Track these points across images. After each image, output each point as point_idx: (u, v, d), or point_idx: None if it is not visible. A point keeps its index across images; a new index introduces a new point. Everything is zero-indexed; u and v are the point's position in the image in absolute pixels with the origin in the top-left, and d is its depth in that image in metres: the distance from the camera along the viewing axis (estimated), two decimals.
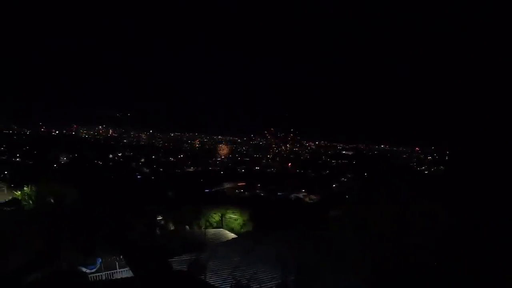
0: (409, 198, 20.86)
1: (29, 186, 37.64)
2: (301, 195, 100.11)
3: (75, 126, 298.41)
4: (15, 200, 34.57)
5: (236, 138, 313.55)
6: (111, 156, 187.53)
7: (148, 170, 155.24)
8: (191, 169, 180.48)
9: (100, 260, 24.31)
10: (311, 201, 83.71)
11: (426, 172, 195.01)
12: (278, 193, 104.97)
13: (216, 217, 39.77)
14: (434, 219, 18.51)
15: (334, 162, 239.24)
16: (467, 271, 15.92)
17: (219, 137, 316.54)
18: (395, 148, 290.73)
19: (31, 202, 35.76)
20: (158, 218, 39.16)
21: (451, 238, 17.90)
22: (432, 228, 18.05)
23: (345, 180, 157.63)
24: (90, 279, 22.41)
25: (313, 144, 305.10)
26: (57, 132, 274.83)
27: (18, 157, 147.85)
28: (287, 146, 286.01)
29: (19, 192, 37.55)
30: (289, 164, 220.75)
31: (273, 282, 16.93)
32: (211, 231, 34.90)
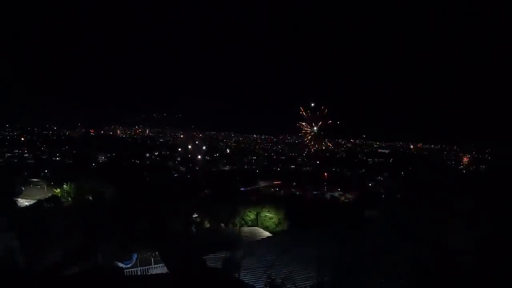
0: (449, 198, 20.03)
1: (69, 183, 38.79)
2: (336, 194, 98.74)
3: (112, 126, 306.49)
4: (54, 197, 35.49)
5: (272, 137, 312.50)
6: (148, 155, 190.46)
7: (184, 168, 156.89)
8: (227, 167, 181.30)
9: (136, 255, 24.69)
10: (347, 200, 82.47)
11: (464, 171, 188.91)
12: (314, 192, 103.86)
13: (251, 215, 39.66)
14: (477, 220, 17.63)
15: (370, 161, 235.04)
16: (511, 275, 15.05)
17: (254, 135, 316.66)
18: (433, 146, 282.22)
19: (70, 199, 36.83)
20: (194, 216, 39.42)
21: (494, 240, 16.99)
22: (474, 229, 17.19)
23: (382, 179, 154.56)
24: (125, 274, 22.75)
25: (349, 142, 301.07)
26: (95, 132, 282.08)
27: (57, 156, 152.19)
28: (322, 145, 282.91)
29: (58, 190, 38.71)
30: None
31: (308, 282, 16.54)
32: (246, 229, 34.81)
